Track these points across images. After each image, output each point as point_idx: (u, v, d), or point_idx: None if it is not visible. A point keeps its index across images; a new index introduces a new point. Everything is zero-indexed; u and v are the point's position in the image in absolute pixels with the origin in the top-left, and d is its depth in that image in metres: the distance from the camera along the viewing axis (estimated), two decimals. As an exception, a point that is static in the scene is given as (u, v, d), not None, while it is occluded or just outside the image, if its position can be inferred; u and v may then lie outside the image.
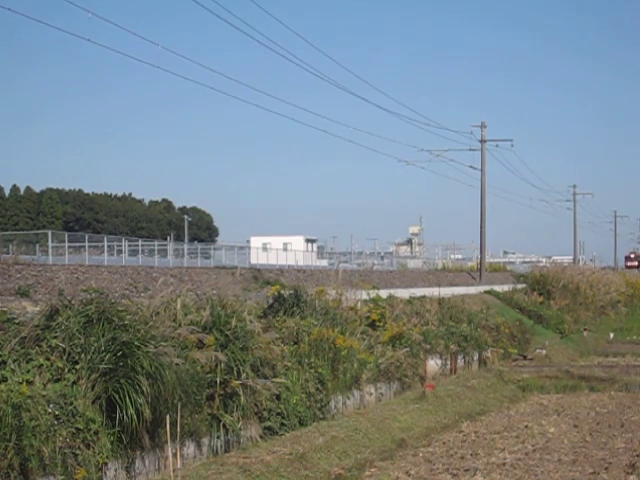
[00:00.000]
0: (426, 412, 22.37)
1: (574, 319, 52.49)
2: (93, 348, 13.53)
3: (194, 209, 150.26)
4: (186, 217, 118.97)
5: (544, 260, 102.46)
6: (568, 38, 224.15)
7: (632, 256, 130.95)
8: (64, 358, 13.44)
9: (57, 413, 12.32)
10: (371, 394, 23.26)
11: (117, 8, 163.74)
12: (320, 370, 20.30)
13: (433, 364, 28.86)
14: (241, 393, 16.64)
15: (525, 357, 36.27)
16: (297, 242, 67.22)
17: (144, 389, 13.46)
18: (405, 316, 29.60)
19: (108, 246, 37.42)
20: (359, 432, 18.77)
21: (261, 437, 17.10)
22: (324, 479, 15.47)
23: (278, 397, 18.04)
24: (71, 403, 12.66)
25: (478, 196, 54.93)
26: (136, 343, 13.91)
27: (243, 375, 16.76)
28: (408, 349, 26.16)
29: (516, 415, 23.15)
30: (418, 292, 37.56)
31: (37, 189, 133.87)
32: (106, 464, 12.92)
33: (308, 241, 72.27)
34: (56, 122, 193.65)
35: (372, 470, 16.17)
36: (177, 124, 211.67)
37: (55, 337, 13.63)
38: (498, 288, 52.41)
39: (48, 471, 11.70)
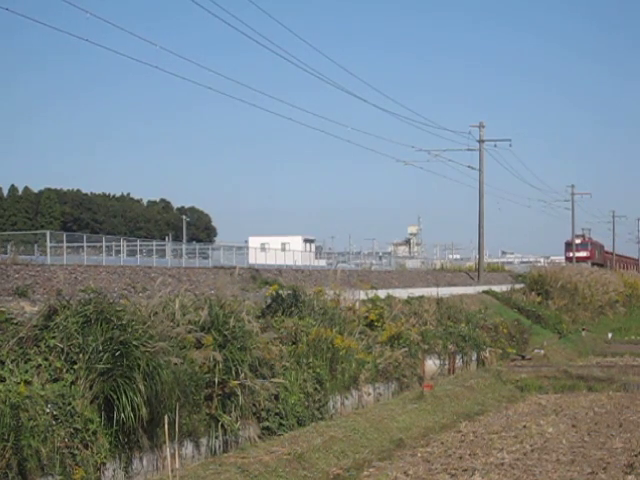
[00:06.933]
0: (424, 412, 22.35)
1: (572, 319, 52.51)
2: (91, 348, 13.53)
3: (192, 209, 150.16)
4: (184, 217, 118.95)
5: (542, 260, 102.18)
6: (567, 38, 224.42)
7: (579, 242, 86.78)
8: (62, 358, 13.44)
9: (55, 413, 12.32)
10: (369, 394, 23.24)
11: (115, 8, 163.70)
12: (318, 370, 20.28)
13: (431, 364, 28.86)
14: (239, 393, 16.63)
15: (523, 357, 36.24)
16: (295, 242, 67.21)
17: (141, 389, 13.46)
18: (403, 316, 29.56)
19: (106, 246, 37.40)
20: (357, 432, 18.75)
21: (259, 437, 17.09)
22: (322, 479, 15.47)
23: (276, 397, 18.03)
24: (69, 403, 12.65)
25: (476, 196, 55.02)
26: (134, 343, 13.91)
27: (241, 375, 16.74)
28: (406, 349, 26.13)
29: (514, 415, 23.14)
30: (416, 292, 37.55)
31: (35, 189, 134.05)
32: (104, 464, 12.91)
33: (306, 241, 72.28)
34: (54, 122, 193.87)
35: (370, 470, 16.18)
36: (175, 124, 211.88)
37: (53, 337, 13.63)
38: (496, 288, 52.42)
39: (46, 471, 11.70)
